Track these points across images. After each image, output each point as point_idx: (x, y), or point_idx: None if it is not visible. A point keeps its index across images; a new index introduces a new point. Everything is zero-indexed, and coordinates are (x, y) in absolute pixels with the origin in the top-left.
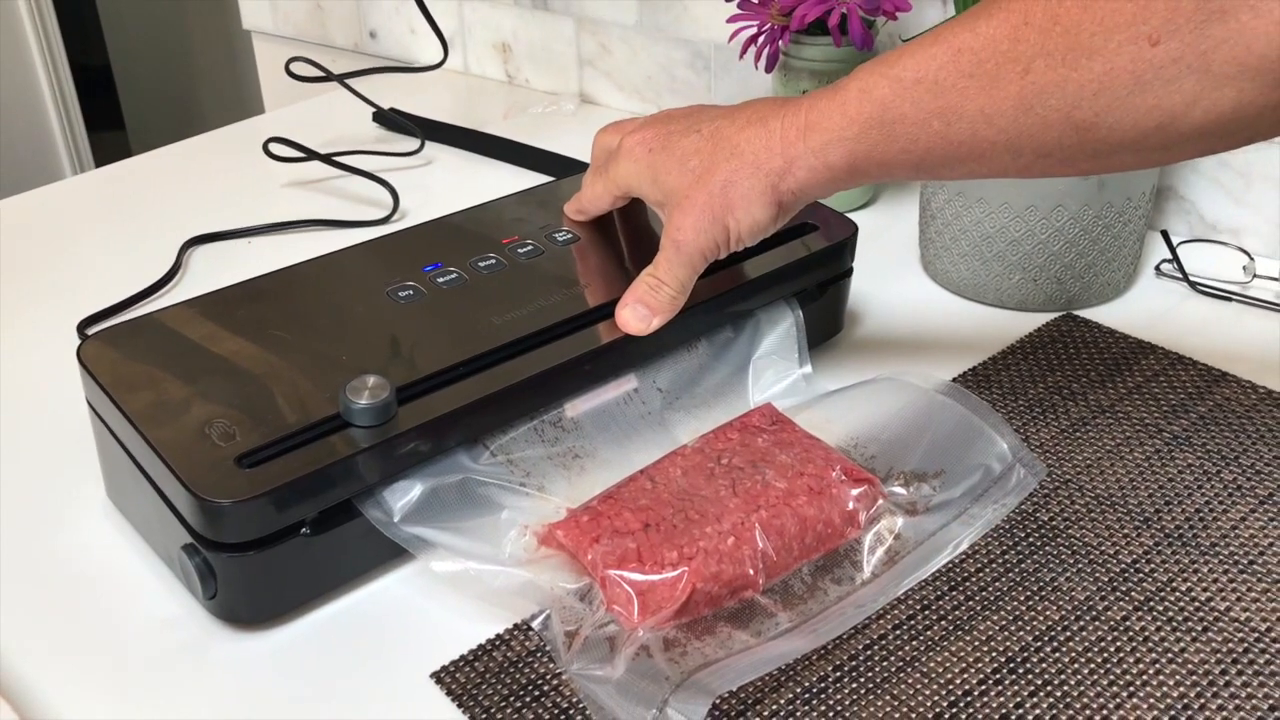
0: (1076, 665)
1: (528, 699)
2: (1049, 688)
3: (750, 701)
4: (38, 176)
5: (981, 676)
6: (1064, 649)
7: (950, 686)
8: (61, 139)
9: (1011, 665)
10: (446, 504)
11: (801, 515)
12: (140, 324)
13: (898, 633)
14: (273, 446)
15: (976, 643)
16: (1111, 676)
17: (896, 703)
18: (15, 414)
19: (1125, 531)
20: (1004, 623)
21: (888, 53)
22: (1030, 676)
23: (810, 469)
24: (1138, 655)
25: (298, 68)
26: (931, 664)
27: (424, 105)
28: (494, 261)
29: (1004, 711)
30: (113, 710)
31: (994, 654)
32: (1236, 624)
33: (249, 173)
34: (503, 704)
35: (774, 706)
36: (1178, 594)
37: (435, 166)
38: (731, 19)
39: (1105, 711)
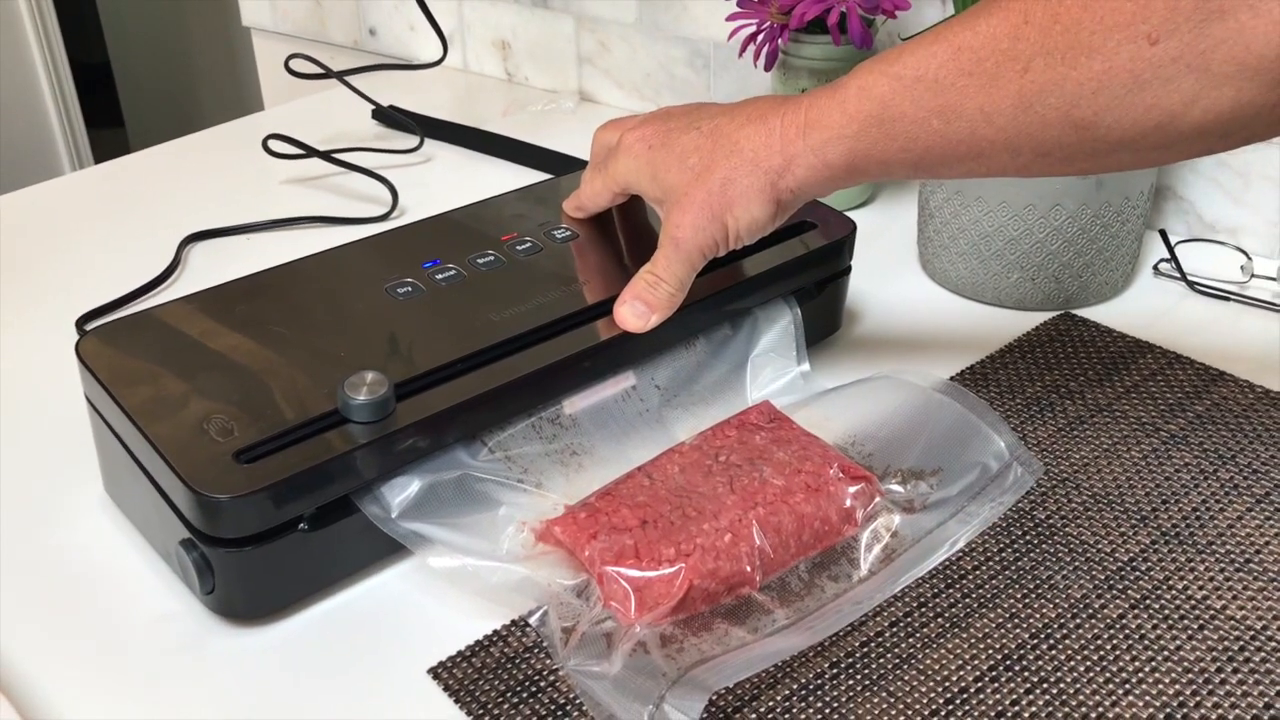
0: (1073, 662)
1: (525, 695)
2: (1045, 685)
3: (747, 698)
4: (37, 173)
5: (978, 673)
6: (1060, 646)
7: (947, 683)
8: (61, 136)
9: (1008, 662)
10: (444, 500)
11: (799, 512)
12: (139, 320)
13: (894, 630)
14: (271, 442)
15: (973, 640)
16: (1108, 674)
17: (893, 699)
18: (13, 409)
19: (1122, 529)
20: (1000, 620)
21: (887, 51)
22: (1027, 674)
23: (808, 466)
24: (1134, 653)
25: (297, 65)
26: (928, 661)
27: (423, 102)
28: (493, 258)
29: (1000, 708)
30: (111, 705)
31: (990, 651)
32: (1232, 622)
33: (248, 169)
34: (500, 700)
35: (770, 703)
36: (1174, 592)
37: (434, 164)
38: (731, 17)
39: (1101, 708)
